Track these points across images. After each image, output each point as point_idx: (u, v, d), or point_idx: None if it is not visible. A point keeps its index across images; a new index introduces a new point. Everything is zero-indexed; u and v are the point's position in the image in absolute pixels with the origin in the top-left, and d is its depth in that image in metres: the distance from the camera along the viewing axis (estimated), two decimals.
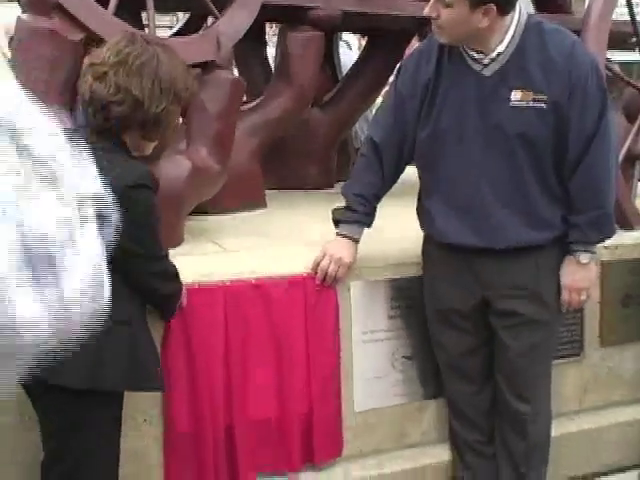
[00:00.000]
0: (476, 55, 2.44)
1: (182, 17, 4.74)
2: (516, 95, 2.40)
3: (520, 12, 2.43)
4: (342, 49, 5.79)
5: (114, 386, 2.05)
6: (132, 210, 1.95)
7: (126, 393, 2.17)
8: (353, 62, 4.85)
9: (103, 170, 1.96)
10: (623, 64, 4.97)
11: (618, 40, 4.04)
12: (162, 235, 2.13)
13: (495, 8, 2.32)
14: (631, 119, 3.75)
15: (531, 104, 2.39)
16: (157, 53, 2.04)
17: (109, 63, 1.99)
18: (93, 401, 1.99)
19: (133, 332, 2.07)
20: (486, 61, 2.43)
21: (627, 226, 3.37)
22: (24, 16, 2.78)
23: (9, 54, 3.30)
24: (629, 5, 3.83)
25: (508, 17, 2.40)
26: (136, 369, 2.07)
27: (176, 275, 2.24)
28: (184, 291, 2.36)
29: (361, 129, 5.37)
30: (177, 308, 2.35)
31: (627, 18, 3.88)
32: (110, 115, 1.99)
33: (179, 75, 2.07)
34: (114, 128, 2.02)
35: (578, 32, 3.10)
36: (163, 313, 2.36)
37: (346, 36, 6.48)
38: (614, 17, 3.50)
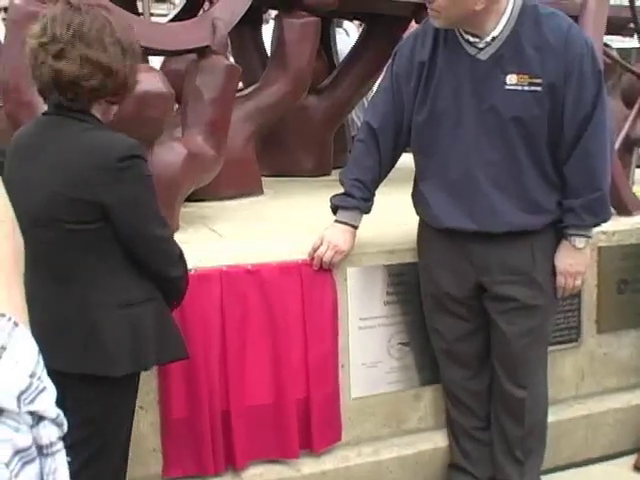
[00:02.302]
0: (471, 39, 2.43)
1: (178, 3, 4.72)
2: (511, 79, 2.39)
3: None
4: (340, 36, 5.77)
5: (153, 362, 2.07)
6: (126, 185, 1.89)
7: None
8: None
9: (82, 149, 1.88)
10: (621, 50, 4.95)
11: (617, 26, 4.03)
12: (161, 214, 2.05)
13: None
14: (629, 105, 3.74)
15: (526, 88, 2.38)
16: (103, 15, 1.94)
17: (64, 39, 1.87)
18: (126, 385, 2.01)
19: (157, 306, 2.04)
20: (481, 45, 2.42)
21: (625, 212, 3.36)
22: (17, 1, 2.75)
23: None
24: None
25: (504, 0, 2.39)
26: (166, 341, 2.06)
27: (181, 257, 2.10)
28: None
29: (357, 116, 5.37)
30: (184, 294, 2.22)
31: (626, 3, 3.86)
32: (81, 90, 1.90)
33: (127, 29, 1.99)
34: (83, 103, 1.94)
35: (576, 17, 3.09)
36: (169, 298, 2.16)
37: (345, 25, 6.46)
38: (612, 2, 3.48)
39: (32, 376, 1.12)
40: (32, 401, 1.11)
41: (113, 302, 1.95)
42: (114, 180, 1.87)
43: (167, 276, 2.05)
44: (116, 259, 1.96)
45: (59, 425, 1.19)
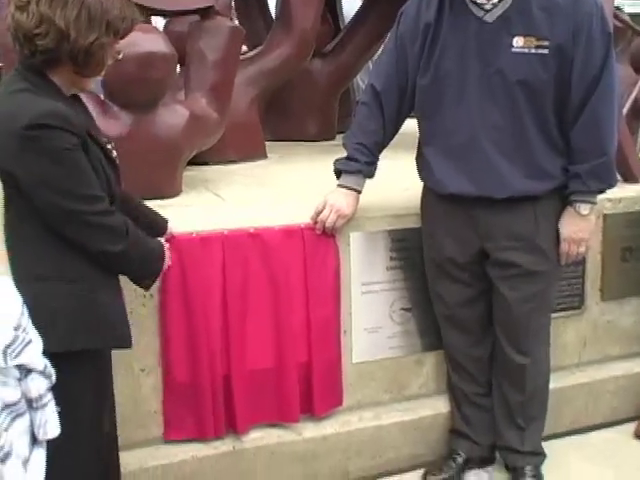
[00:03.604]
0: (478, 0, 2.38)
1: None
2: (518, 41, 2.35)
3: None
4: (346, 0, 5.69)
5: (66, 346, 1.82)
6: (31, 156, 1.77)
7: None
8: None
9: (2, 111, 1.78)
10: (633, 15, 4.88)
11: None
12: (96, 184, 1.87)
13: None
14: (638, 70, 3.70)
15: (533, 50, 2.34)
16: None
17: None
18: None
19: (82, 288, 1.89)
20: (488, 6, 2.38)
21: (632, 179, 3.33)
22: None
23: None
24: None
25: None
26: (94, 326, 1.91)
27: (125, 232, 1.94)
28: (167, 248, 2.16)
29: (362, 80, 5.31)
30: (151, 271, 2.08)
31: None
32: (35, 48, 1.81)
33: (112, 3, 1.85)
34: (42, 63, 1.85)
35: None
36: (132, 278, 2.06)
37: None
38: None
39: (17, 329, 1.10)
40: (18, 354, 1.10)
41: (24, 274, 1.76)
42: (19, 149, 1.77)
43: (106, 252, 1.90)
44: (33, 230, 1.85)
45: (47, 376, 1.17)
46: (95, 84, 2.13)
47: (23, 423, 1.14)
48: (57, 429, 1.20)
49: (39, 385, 1.15)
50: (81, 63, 1.86)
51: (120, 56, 1.97)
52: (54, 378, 1.19)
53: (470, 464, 2.83)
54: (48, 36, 1.80)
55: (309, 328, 2.66)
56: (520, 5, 2.35)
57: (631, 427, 3.17)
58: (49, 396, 1.18)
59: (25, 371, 1.13)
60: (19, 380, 1.12)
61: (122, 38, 1.93)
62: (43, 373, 1.16)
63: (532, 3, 2.34)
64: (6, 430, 1.08)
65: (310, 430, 2.73)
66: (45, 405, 1.17)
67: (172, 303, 2.49)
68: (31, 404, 1.16)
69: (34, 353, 1.13)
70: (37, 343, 1.15)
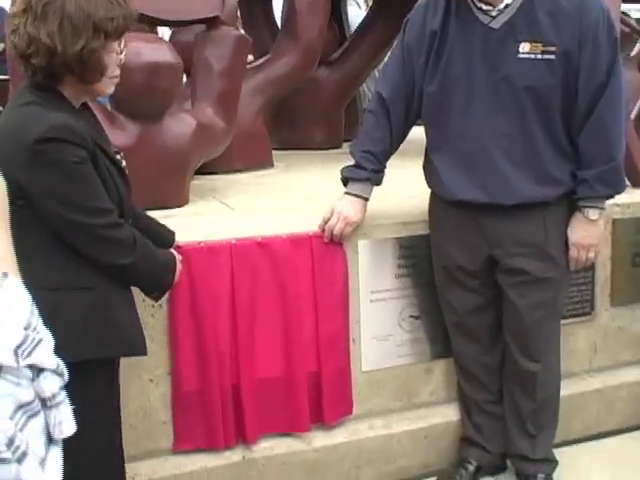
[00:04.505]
0: (484, 7, 2.38)
1: None
2: (524, 47, 2.34)
3: None
4: (351, 8, 5.72)
5: (81, 355, 1.80)
6: (40, 169, 1.78)
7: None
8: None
9: (11, 124, 1.80)
10: (639, 21, 4.87)
11: None
12: (101, 197, 1.87)
13: None
14: None
15: (539, 56, 2.34)
16: None
17: (19, 13, 1.82)
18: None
19: (97, 297, 1.90)
20: (494, 13, 2.37)
21: None
22: None
23: None
24: None
25: None
26: (107, 334, 1.91)
27: (132, 244, 1.93)
28: (179, 260, 2.16)
29: (369, 88, 5.32)
30: (162, 283, 2.09)
31: None
32: (32, 67, 1.82)
33: (95, 6, 1.81)
34: (46, 79, 1.85)
35: None
36: (142, 289, 2.08)
37: None
38: None
39: (27, 328, 1.09)
40: (30, 354, 1.09)
41: (34, 284, 1.71)
42: (28, 161, 1.77)
43: (116, 264, 1.90)
44: (42, 240, 1.84)
45: (60, 375, 1.17)
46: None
47: (38, 423, 1.13)
48: (73, 427, 1.19)
49: (52, 384, 1.14)
50: (79, 72, 1.84)
51: (122, 56, 1.93)
52: (66, 377, 1.18)
53: (481, 472, 2.81)
54: (39, 54, 1.80)
55: (318, 337, 2.65)
56: (526, 11, 2.34)
57: None
58: (62, 395, 1.17)
59: (37, 370, 1.13)
60: (32, 380, 1.12)
61: (119, 38, 1.90)
62: (55, 372, 1.15)
63: (538, 9, 2.34)
64: (21, 430, 1.07)
65: (320, 439, 2.72)
66: (59, 403, 1.16)
67: (181, 313, 2.48)
68: (45, 403, 1.15)
69: (46, 352, 1.12)
70: (49, 341, 1.14)
